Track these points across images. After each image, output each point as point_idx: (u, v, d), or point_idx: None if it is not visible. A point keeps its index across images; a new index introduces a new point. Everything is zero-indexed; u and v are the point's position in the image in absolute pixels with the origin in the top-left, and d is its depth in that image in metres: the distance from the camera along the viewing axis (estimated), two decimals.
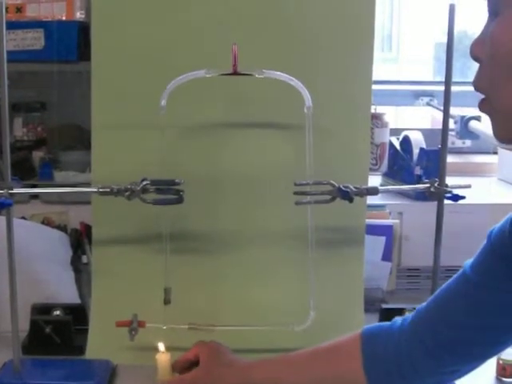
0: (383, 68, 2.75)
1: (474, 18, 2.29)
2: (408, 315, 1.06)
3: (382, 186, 1.68)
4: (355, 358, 1.04)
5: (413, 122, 2.28)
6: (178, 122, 1.24)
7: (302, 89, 1.14)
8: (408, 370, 1.01)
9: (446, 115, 1.21)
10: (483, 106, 0.82)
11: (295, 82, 1.14)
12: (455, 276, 1.00)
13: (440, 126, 1.26)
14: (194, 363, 1.17)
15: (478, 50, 0.81)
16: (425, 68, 2.83)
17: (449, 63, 1.19)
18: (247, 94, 1.26)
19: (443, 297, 1.01)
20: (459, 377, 1.04)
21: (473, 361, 1.01)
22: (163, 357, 1.18)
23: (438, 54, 2.76)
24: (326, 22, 1.29)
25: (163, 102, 1.14)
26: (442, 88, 1.23)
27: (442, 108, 1.24)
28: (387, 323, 1.07)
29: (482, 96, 0.83)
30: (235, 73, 1.12)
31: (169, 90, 1.14)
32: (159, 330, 1.19)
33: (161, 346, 1.18)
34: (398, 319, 1.06)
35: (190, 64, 1.17)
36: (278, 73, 1.14)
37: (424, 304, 1.04)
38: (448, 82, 1.19)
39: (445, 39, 1.21)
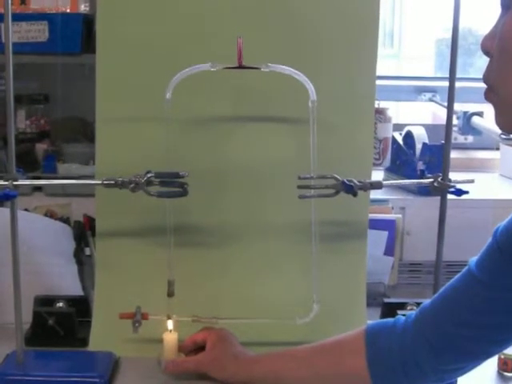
0: (384, 64, 2.75)
1: (478, 16, 2.30)
2: (411, 312, 1.06)
3: (384, 180, 1.68)
4: (359, 354, 1.05)
5: (414, 117, 2.28)
6: (182, 115, 1.23)
7: (306, 83, 1.14)
8: (411, 367, 1.01)
9: (450, 110, 1.21)
10: (489, 96, 0.84)
11: (300, 76, 1.14)
12: (460, 274, 1.01)
13: (441, 122, 1.27)
14: (200, 346, 1.19)
15: (488, 45, 0.81)
16: (426, 64, 2.83)
17: (453, 58, 1.18)
18: (252, 87, 1.26)
19: (448, 295, 1.01)
20: (462, 374, 1.04)
21: (477, 359, 1.01)
22: (170, 336, 1.18)
23: (440, 51, 2.76)
24: (331, 16, 1.29)
25: (168, 95, 1.14)
26: (443, 84, 1.23)
27: (444, 104, 1.24)
28: (391, 320, 1.07)
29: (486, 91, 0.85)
30: (240, 66, 1.12)
31: (174, 83, 1.14)
32: (162, 322, 1.19)
33: (169, 325, 1.18)
34: (401, 316, 1.07)
35: (194, 57, 1.17)
36: (284, 67, 1.14)
37: (428, 301, 1.04)
38: (452, 77, 1.19)
39: (446, 35, 1.21)
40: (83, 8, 1.60)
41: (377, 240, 1.51)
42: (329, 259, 1.26)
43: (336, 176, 1.16)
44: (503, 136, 1.82)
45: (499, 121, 0.84)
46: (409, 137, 1.76)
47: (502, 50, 0.80)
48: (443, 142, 1.24)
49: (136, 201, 1.17)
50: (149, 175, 1.12)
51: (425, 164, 1.66)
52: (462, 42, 1.18)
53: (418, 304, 1.17)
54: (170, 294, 1.18)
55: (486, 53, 0.83)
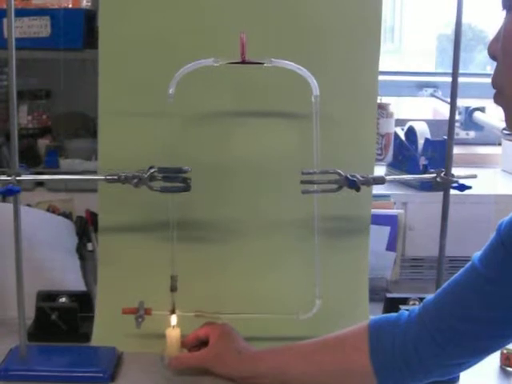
0: (385, 59, 2.75)
1: (477, 11, 2.30)
2: (415, 307, 1.06)
3: (387, 176, 1.69)
4: (362, 350, 1.05)
5: (414, 112, 2.28)
6: (185, 110, 1.23)
7: (309, 78, 1.14)
8: (414, 362, 1.01)
9: (453, 105, 1.21)
10: (498, 100, 0.84)
11: (303, 71, 1.14)
12: (464, 269, 1.01)
13: (442, 117, 1.27)
14: (203, 342, 1.19)
15: (494, 48, 0.82)
16: (427, 59, 2.83)
17: (456, 53, 1.18)
18: (255, 82, 1.26)
19: (452, 290, 1.01)
20: (465, 369, 1.04)
21: (480, 354, 1.01)
22: (173, 332, 1.18)
23: (441, 46, 2.76)
24: (333, 12, 1.29)
25: (171, 90, 1.14)
26: (445, 79, 1.23)
27: (445, 99, 1.24)
28: (394, 315, 1.07)
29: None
30: (243, 61, 1.12)
31: (177, 78, 1.14)
32: (165, 317, 1.19)
33: (173, 320, 1.18)
34: (404, 311, 1.07)
35: (197, 52, 1.17)
36: (287, 62, 1.14)
37: (431, 296, 1.04)
38: (455, 72, 1.19)
39: (447, 31, 1.21)
40: (85, 3, 1.60)
41: (379, 235, 1.51)
42: (331, 254, 1.26)
43: (339, 171, 1.16)
44: (505, 131, 1.82)
45: (509, 124, 0.85)
46: (411, 132, 1.76)
47: (504, 50, 0.81)
48: (445, 137, 1.24)
49: (139, 196, 1.17)
50: (152, 170, 1.12)
51: (427, 159, 1.66)
52: (461, 38, 1.18)
53: (421, 299, 1.17)
54: (173, 289, 1.18)
55: (493, 57, 0.84)
